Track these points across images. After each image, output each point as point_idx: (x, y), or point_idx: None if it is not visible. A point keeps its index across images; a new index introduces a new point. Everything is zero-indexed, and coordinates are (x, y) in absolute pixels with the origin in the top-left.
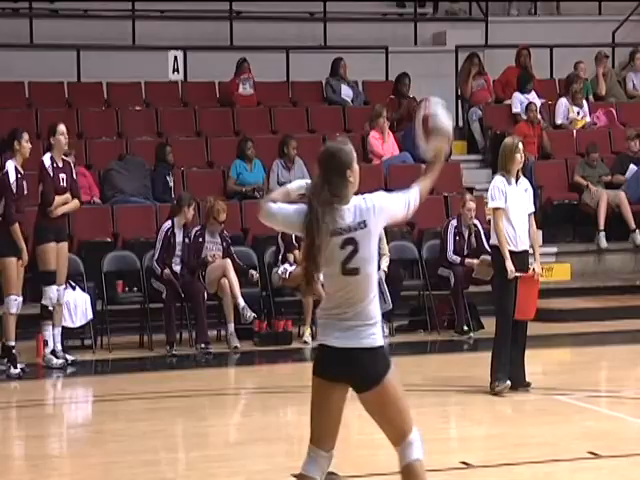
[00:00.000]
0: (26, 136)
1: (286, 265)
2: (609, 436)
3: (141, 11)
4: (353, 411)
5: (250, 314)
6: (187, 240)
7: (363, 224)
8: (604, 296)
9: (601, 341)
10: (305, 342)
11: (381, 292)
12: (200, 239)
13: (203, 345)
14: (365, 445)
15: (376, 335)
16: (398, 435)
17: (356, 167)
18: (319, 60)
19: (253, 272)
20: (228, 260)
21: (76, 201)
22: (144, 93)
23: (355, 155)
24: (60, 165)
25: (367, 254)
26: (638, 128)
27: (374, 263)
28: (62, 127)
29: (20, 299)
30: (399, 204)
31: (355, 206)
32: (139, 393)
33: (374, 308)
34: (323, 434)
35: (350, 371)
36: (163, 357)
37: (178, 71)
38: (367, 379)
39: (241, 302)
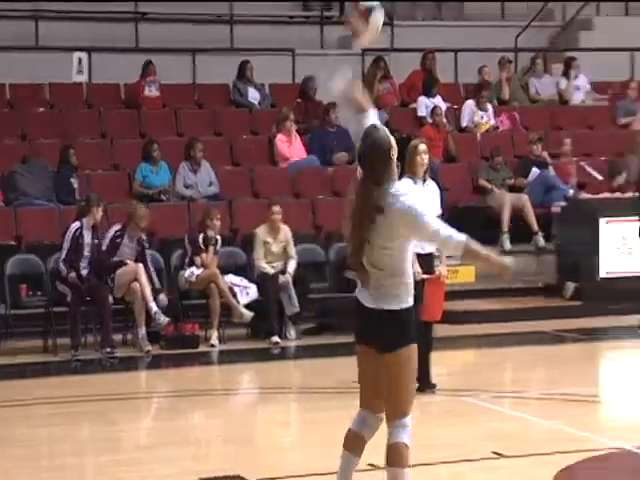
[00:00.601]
0: None
1: (193, 268)
2: (513, 436)
3: (45, 11)
4: (259, 415)
5: (164, 318)
6: (96, 241)
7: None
8: (508, 298)
9: (505, 342)
10: (212, 345)
11: (288, 295)
12: (118, 240)
13: (108, 349)
14: (272, 448)
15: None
16: (397, 412)
17: (394, 144)
18: (226, 62)
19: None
20: (140, 264)
21: None
22: (48, 94)
23: (389, 133)
24: None
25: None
26: (540, 132)
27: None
28: None
29: None
30: (426, 227)
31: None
32: (43, 398)
33: None
34: (366, 397)
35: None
36: (68, 361)
37: (82, 72)
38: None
39: (154, 306)
